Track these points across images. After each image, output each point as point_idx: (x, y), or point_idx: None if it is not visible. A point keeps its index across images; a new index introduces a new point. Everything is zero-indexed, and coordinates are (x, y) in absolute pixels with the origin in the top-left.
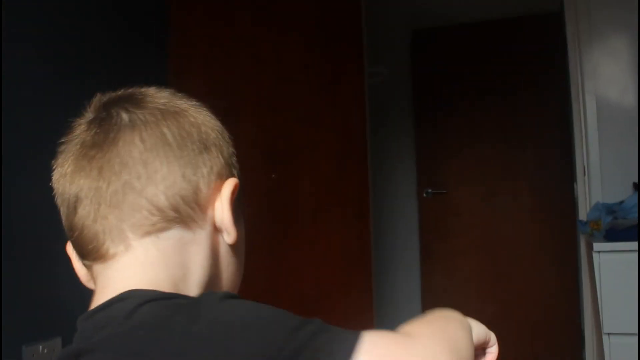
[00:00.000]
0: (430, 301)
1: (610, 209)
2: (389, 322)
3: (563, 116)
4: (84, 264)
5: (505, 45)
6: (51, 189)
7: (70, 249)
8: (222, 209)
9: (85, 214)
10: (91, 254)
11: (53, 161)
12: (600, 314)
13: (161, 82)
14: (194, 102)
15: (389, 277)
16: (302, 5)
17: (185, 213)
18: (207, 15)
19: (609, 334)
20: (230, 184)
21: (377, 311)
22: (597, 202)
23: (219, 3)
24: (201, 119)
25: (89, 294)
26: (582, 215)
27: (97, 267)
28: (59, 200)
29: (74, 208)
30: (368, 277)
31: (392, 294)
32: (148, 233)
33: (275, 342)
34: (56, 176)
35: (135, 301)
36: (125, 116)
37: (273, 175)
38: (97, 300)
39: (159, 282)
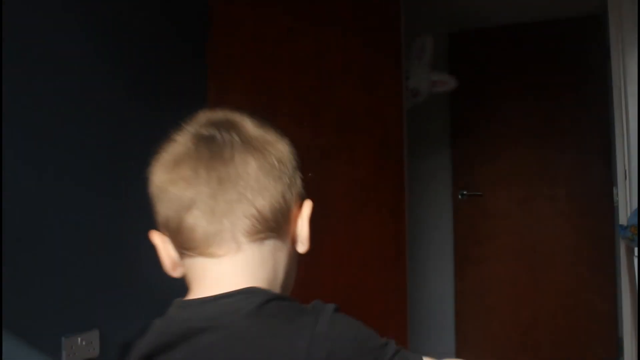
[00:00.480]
0: (463, 304)
1: None
2: (422, 324)
3: (603, 120)
4: (184, 254)
5: (545, 48)
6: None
7: (158, 239)
8: (302, 225)
9: (199, 216)
10: (198, 248)
11: (159, 168)
12: None
13: (201, 78)
14: (275, 132)
15: (423, 278)
16: (341, 6)
17: (280, 225)
18: (249, 12)
19: None
20: (309, 205)
21: (411, 312)
22: (638, 206)
23: (260, 3)
24: (287, 148)
25: (127, 287)
26: (622, 219)
27: (203, 261)
28: (164, 198)
29: (187, 208)
30: (402, 278)
31: (426, 296)
32: (255, 239)
33: (372, 351)
34: (165, 178)
35: (262, 296)
36: (237, 138)
37: (310, 174)
38: (208, 289)
39: (259, 281)
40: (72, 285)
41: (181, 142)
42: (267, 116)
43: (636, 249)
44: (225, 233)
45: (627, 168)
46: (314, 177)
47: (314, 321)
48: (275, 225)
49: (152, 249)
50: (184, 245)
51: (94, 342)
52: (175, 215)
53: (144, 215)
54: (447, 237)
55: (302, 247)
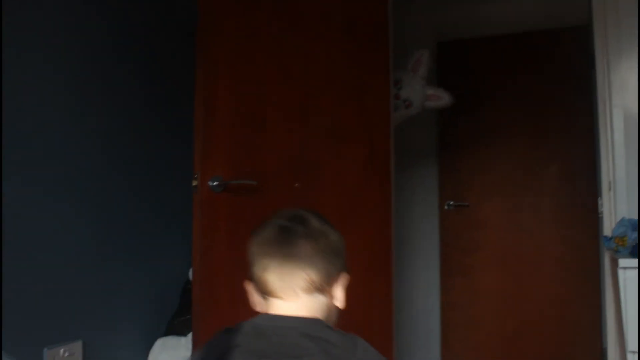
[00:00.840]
0: (449, 315)
1: (636, 225)
2: (408, 334)
3: (589, 131)
4: (264, 297)
5: (532, 59)
6: None
7: (249, 286)
8: (339, 290)
9: (273, 276)
10: (272, 294)
11: (253, 243)
12: (625, 331)
13: (190, 88)
14: (330, 224)
15: (409, 288)
16: (329, 16)
17: (324, 287)
18: (235, 26)
19: (634, 352)
20: (345, 278)
21: (396, 323)
22: (622, 217)
23: (247, 13)
24: (336, 237)
25: (112, 298)
26: (607, 231)
27: (276, 301)
28: (254, 263)
29: (264, 270)
30: (388, 287)
31: (412, 306)
32: (307, 293)
33: None
34: (256, 250)
35: (323, 324)
36: (302, 229)
37: (296, 185)
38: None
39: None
40: (56, 295)
41: (268, 229)
42: (256, 128)
43: (620, 260)
44: (288, 287)
45: (611, 179)
46: (301, 187)
47: (356, 339)
48: (320, 287)
49: (136, 263)
50: (264, 292)
51: (77, 353)
52: (259, 273)
53: (127, 230)
54: (433, 247)
55: (339, 304)
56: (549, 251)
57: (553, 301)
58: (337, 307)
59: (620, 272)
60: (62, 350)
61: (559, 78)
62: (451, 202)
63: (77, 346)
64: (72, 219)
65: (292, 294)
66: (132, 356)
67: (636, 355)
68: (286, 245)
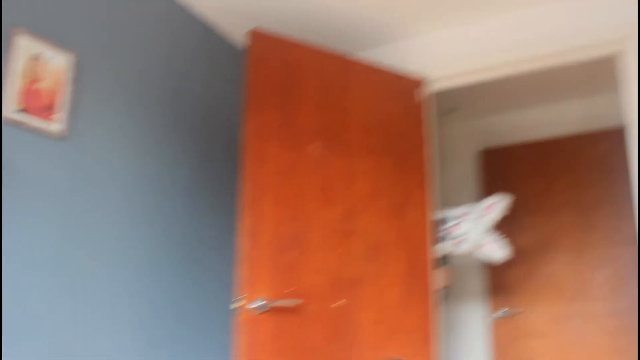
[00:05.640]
0: None
1: None
2: None
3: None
4: None
5: (574, 162)
6: None
7: None
8: None
9: None
10: None
11: None
12: None
13: (235, 200)
14: None
15: None
16: (371, 133)
17: None
18: (281, 147)
19: None
20: None
21: None
22: None
23: (292, 136)
24: None
25: None
26: None
27: None
28: None
29: None
30: None
31: None
32: None
33: None
34: None
35: None
36: None
37: (338, 302)
38: None
39: None
40: None
41: None
42: (296, 246)
43: None
44: None
45: None
46: (342, 304)
47: None
48: None
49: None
50: None
51: None
52: None
53: (169, 346)
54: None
55: None
56: None
57: None
58: None
59: None
60: None
61: (605, 180)
62: (505, 309)
63: None
64: (118, 336)
65: None
66: None
67: None
68: None
